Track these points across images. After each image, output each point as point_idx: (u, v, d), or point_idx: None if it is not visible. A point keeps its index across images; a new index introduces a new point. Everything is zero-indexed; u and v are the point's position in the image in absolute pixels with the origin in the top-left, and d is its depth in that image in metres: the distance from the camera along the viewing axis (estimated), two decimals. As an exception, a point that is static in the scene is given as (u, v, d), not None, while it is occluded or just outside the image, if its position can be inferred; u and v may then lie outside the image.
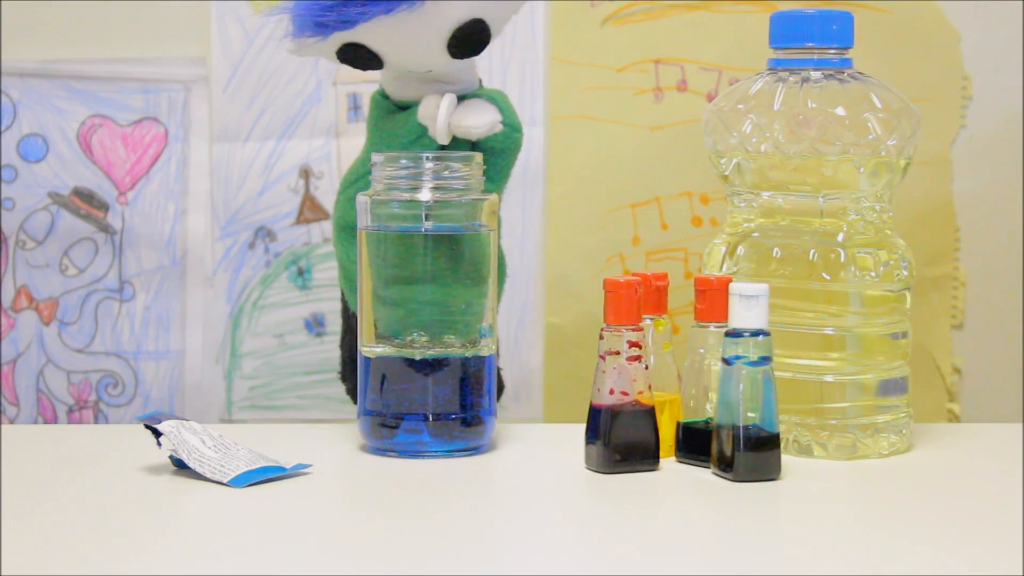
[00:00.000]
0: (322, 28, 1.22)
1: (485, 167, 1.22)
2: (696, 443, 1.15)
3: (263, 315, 1.51)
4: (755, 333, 1.10)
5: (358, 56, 1.23)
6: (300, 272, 1.51)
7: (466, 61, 1.25)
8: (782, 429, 1.13)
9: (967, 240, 1.50)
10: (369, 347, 1.19)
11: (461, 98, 1.26)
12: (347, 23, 1.21)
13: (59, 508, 1.04)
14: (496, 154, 1.25)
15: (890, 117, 1.17)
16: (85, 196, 1.50)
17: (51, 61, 1.50)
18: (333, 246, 1.30)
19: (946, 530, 1.01)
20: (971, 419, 1.50)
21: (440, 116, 1.24)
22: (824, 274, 1.17)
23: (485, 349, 1.19)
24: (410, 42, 1.22)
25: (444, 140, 1.24)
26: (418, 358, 1.17)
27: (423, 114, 1.25)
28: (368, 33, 1.21)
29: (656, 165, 1.49)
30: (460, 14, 1.21)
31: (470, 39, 1.22)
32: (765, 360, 1.10)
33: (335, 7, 1.20)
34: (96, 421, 1.51)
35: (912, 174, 1.23)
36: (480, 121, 1.24)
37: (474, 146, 1.25)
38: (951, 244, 1.49)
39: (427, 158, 1.18)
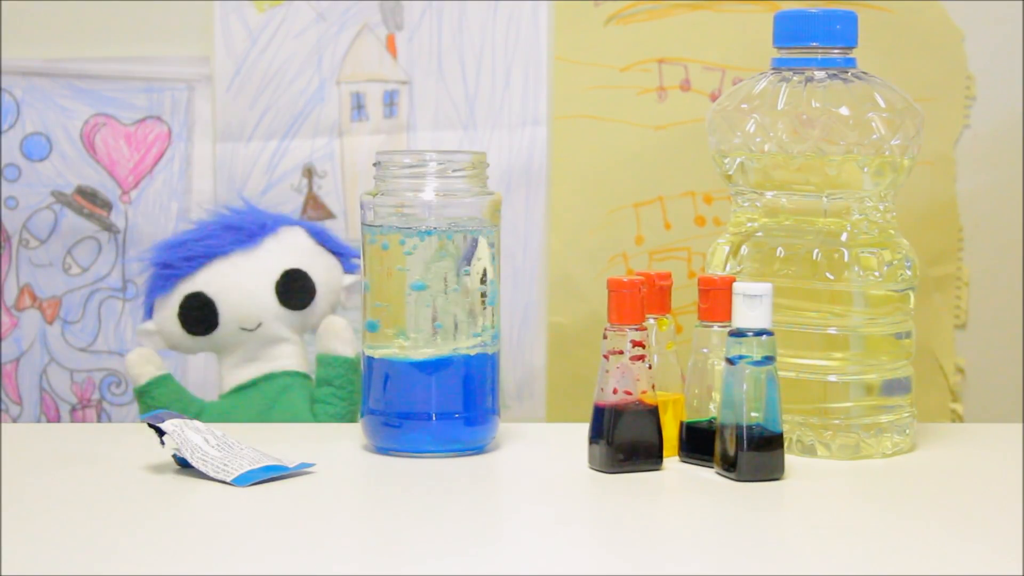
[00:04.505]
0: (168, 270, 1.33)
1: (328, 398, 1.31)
2: (699, 443, 1.15)
3: (266, 314, 1.51)
4: (759, 333, 1.10)
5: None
6: (303, 271, 1.51)
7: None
8: (785, 429, 1.13)
9: (970, 240, 1.50)
10: (372, 347, 1.19)
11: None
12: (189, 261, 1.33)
13: (62, 507, 1.04)
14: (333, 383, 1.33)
15: (894, 117, 1.17)
16: (88, 195, 1.51)
17: (54, 60, 1.50)
18: None
19: (949, 530, 1.01)
20: (974, 419, 1.50)
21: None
22: (828, 274, 1.17)
23: (488, 348, 1.19)
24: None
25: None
26: (421, 358, 1.17)
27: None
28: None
29: (659, 165, 1.49)
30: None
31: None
32: (768, 360, 1.10)
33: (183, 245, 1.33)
34: (99, 420, 1.51)
35: (916, 174, 1.22)
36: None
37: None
38: (955, 244, 1.49)
39: (430, 158, 1.18)
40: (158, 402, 1.31)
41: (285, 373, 1.33)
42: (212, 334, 1.33)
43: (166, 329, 1.33)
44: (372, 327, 1.18)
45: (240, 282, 1.32)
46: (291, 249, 1.34)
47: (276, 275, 1.32)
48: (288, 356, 1.34)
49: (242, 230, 1.33)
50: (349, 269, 1.35)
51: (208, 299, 1.32)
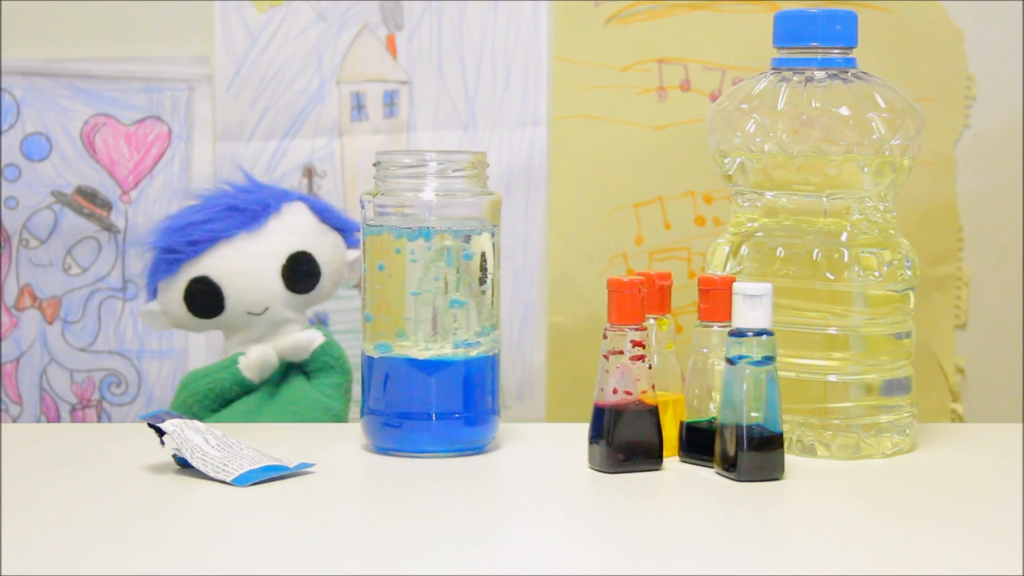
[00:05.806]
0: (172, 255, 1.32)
1: (327, 387, 1.33)
2: (699, 443, 1.15)
3: (266, 314, 1.51)
4: (759, 333, 1.10)
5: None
6: (303, 271, 1.51)
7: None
8: (785, 429, 1.13)
9: (970, 240, 1.50)
10: (372, 347, 1.19)
11: None
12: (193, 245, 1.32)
13: (62, 507, 1.04)
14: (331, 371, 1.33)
15: (894, 117, 1.17)
16: (88, 195, 1.51)
17: (55, 60, 1.50)
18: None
19: (949, 530, 1.01)
20: (974, 419, 1.50)
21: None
22: (828, 274, 1.17)
23: (488, 348, 1.19)
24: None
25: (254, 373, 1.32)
26: (421, 358, 1.17)
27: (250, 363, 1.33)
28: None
29: (659, 165, 1.49)
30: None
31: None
32: (768, 360, 1.10)
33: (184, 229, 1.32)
34: (99, 420, 1.51)
35: (916, 174, 1.22)
36: (301, 336, 1.33)
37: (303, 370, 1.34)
38: (955, 244, 1.49)
39: (430, 157, 1.18)
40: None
41: None
42: (218, 317, 1.33)
43: (171, 311, 1.33)
44: (380, 349, 1.18)
45: (246, 268, 1.31)
46: (295, 229, 1.33)
47: (282, 259, 1.32)
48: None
49: (245, 212, 1.32)
50: (352, 244, 1.35)
51: (214, 284, 1.31)
